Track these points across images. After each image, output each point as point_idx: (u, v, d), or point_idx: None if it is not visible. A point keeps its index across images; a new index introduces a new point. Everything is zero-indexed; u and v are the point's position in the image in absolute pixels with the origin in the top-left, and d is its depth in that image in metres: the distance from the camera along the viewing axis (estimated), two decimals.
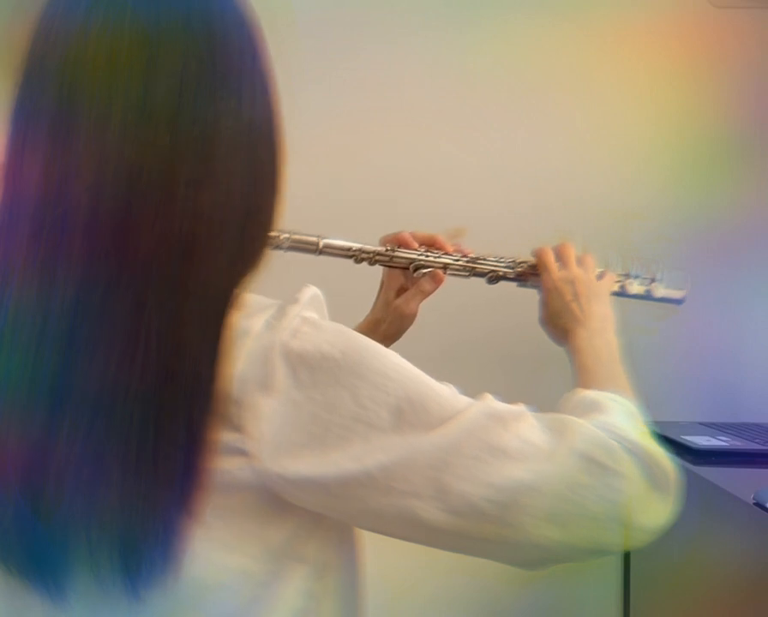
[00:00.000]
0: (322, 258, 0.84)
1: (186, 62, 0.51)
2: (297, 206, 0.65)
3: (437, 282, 0.87)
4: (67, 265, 0.49)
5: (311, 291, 0.56)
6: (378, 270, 0.91)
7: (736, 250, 1.43)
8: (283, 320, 0.52)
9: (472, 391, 0.57)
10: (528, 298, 0.93)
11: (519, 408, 0.56)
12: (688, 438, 1.19)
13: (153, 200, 0.50)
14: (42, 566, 0.50)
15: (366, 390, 0.51)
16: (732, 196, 1.42)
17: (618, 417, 0.60)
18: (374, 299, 0.93)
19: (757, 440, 1.20)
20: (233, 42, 0.54)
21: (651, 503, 0.57)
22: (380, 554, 0.65)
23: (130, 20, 0.51)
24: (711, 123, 1.42)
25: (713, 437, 1.22)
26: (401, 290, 0.89)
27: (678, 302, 0.99)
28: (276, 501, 0.52)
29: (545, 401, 0.61)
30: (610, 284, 0.89)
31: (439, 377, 0.56)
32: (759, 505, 0.92)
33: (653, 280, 0.97)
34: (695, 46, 1.43)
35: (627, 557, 1.40)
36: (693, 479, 1.08)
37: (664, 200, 1.44)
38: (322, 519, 0.56)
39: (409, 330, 0.90)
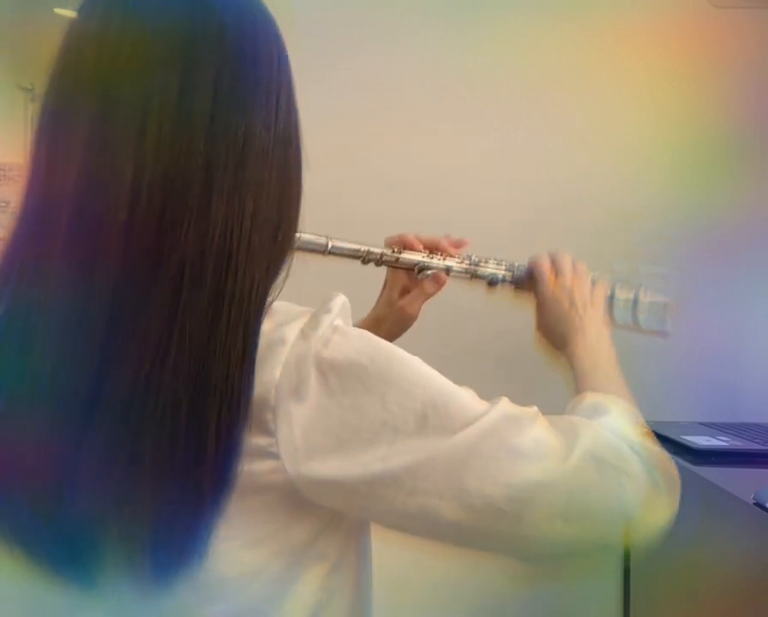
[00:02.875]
0: (310, 256, 0.85)
1: (220, 72, 0.53)
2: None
3: (440, 284, 0.89)
4: (103, 268, 0.51)
5: (341, 300, 0.57)
6: (369, 270, 0.92)
7: (736, 250, 1.43)
8: (317, 330, 0.53)
9: (478, 392, 0.59)
10: (527, 302, 0.93)
11: (534, 411, 0.59)
12: (688, 438, 1.20)
13: (189, 207, 0.51)
14: (72, 558, 0.52)
15: (393, 396, 0.53)
16: (732, 196, 1.42)
17: (622, 420, 0.64)
18: (365, 298, 0.92)
19: (757, 440, 1.20)
20: (264, 53, 0.56)
21: (655, 501, 0.59)
22: (380, 555, 0.65)
23: (165, 30, 0.53)
24: (711, 123, 1.42)
25: (713, 437, 1.22)
26: (404, 291, 0.91)
27: (662, 330, 1.00)
28: (301, 502, 0.54)
29: (544, 403, 0.62)
30: (604, 292, 0.91)
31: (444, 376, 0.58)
32: (759, 505, 0.92)
33: (641, 287, 0.98)
34: (695, 46, 1.43)
35: (626, 557, 1.40)
36: (693, 479, 1.08)
37: (664, 200, 1.44)
38: (343, 518, 0.58)
39: (410, 331, 0.91)
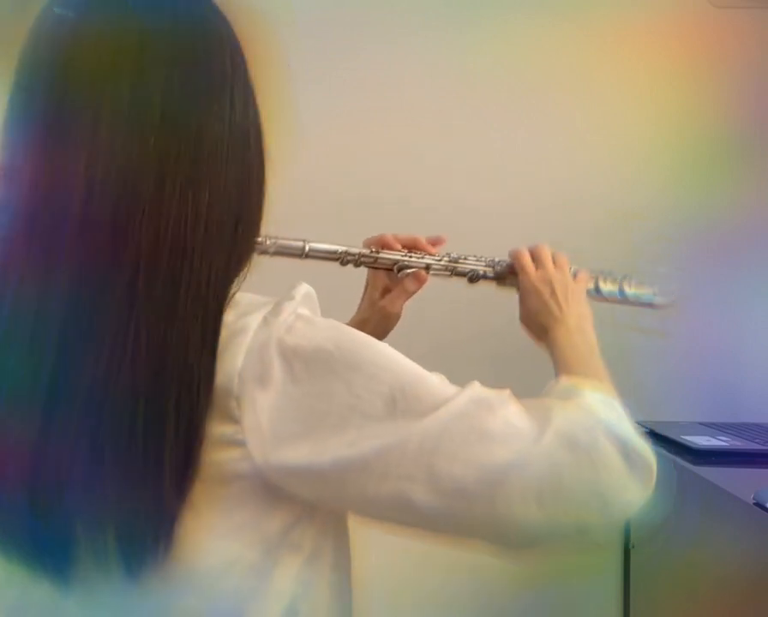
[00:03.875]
0: (310, 260, 0.85)
1: (172, 69, 0.54)
2: (299, 205, 0.66)
3: (420, 282, 0.90)
4: (61, 264, 0.51)
5: (305, 289, 0.58)
6: (363, 272, 0.92)
7: (736, 250, 1.43)
8: (279, 317, 0.54)
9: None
10: (511, 298, 0.93)
11: (505, 393, 0.59)
12: (688, 438, 1.20)
13: (142, 201, 0.52)
14: (45, 555, 0.52)
15: (360, 380, 0.54)
16: (732, 196, 1.42)
17: (596, 403, 0.63)
18: (358, 300, 0.94)
19: (757, 440, 1.20)
20: (215, 50, 0.57)
21: (628, 483, 0.59)
22: (379, 555, 0.65)
23: (119, 27, 0.53)
24: (711, 123, 1.42)
25: (713, 437, 1.22)
26: (386, 291, 0.92)
27: (651, 301, 1.00)
28: (272, 492, 0.54)
29: (529, 396, 0.62)
30: (585, 282, 0.91)
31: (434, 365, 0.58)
32: (759, 505, 0.92)
33: (624, 278, 0.98)
34: (695, 46, 1.43)
35: (626, 557, 1.40)
36: (693, 479, 1.08)
37: (664, 200, 1.44)
38: (317, 509, 0.58)
39: (395, 330, 0.91)
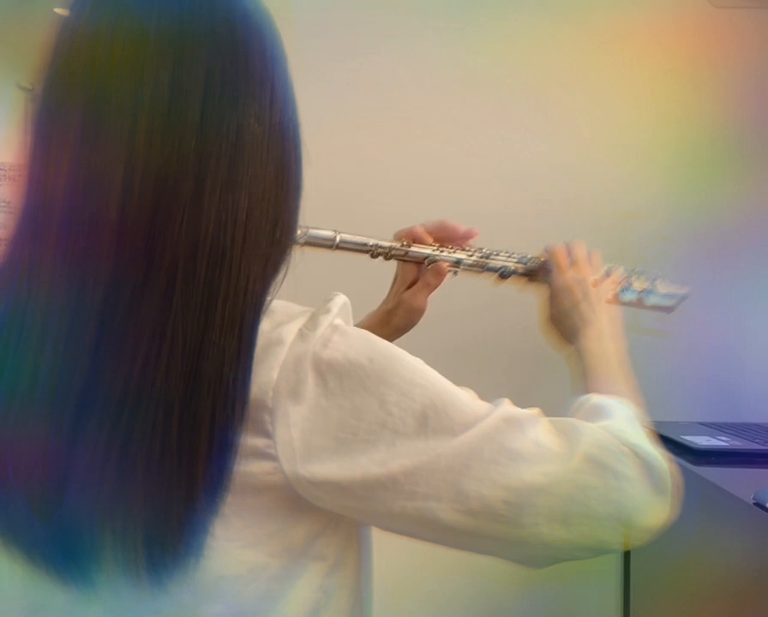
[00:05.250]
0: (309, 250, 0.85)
1: (210, 68, 0.52)
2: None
3: (441, 275, 0.88)
4: (95, 267, 0.50)
5: (341, 300, 0.57)
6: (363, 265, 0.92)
7: (736, 250, 1.43)
8: (316, 331, 0.53)
9: (479, 388, 0.59)
10: (537, 294, 0.93)
11: (535, 412, 0.59)
12: (688, 438, 1.19)
13: (180, 204, 0.51)
14: (72, 562, 0.52)
15: (392, 396, 0.53)
16: (732, 196, 1.42)
17: (624, 422, 0.63)
18: (377, 294, 0.94)
19: (757, 440, 1.20)
20: (256, 48, 0.55)
21: (653, 505, 0.59)
22: (380, 555, 0.65)
23: (156, 27, 0.52)
24: (711, 123, 1.42)
25: (713, 437, 1.22)
26: (413, 284, 0.91)
27: (670, 309, 1.00)
28: (299, 503, 0.54)
29: (548, 397, 0.62)
30: (616, 284, 0.90)
31: (447, 373, 0.58)
32: (759, 505, 0.92)
33: (655, 280, 0.98)
34: (695, 46, 1.42)
35: (627, 557, 1.40)
36: (692, 479, 1.08)
37: (664, 200, 1.44)
38: (341, 520, 0.57)
39: (418, 326, 0.91)
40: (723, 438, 1.22)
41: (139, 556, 0.50)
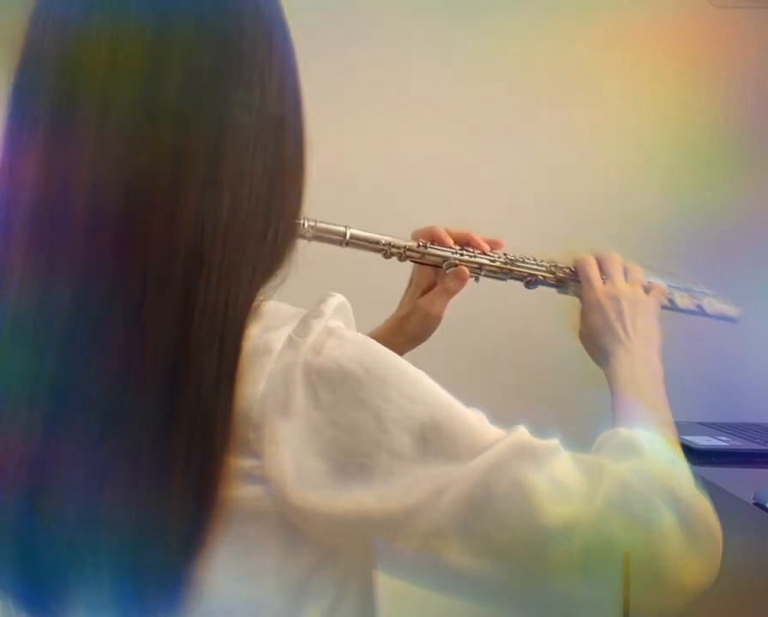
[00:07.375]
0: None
1: (194, 55, 0.47)
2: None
3: (462, 280, 0.79)
4: (66, 267, 0.46)
5: (336, 300, 0.51)
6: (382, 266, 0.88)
7: (736, 250, 1.43)
8: (306, 337, 0.47)
9: (492, 401, 0.54)
10: (556, 305, 0.86)
11: (554, 444, 0.52)
12: (688, 438, 1.19)
13: (154, 203, 0.46)
14: (45, 593, 0.47)
15: (390, 412, 0.47)
16: (732, 196, 1.42)
17: (658, 463, 0.55)
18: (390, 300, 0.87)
19: (757, 440, 1.20)
20: (248, 29, 0.50)
21: (689, 560, 0.52)
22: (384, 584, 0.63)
23: (134, 13, 0.47)
24: (711, 123, 1.42)
25: (713, 437, 1.22)
26: (430, 289, 0.82)
27: (733, 319, 0.94)
28: (294, 533, 0.48)
29: (564, 413, 0.57)
30: (659, 298, 0.81)
31: (454, 390, 0.52)
32: (759, 505, 0.92)
33: (706, 295, 0.89)
34: (695, 46, 1.42)
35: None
36: None
37: (664, 200, 1.44)
38: (341, 552, 0.52)
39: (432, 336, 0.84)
40: (723, 438, 1.22)
41: (124, 589, 0.45)
